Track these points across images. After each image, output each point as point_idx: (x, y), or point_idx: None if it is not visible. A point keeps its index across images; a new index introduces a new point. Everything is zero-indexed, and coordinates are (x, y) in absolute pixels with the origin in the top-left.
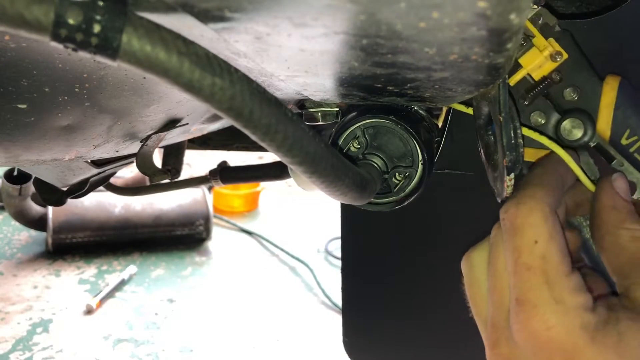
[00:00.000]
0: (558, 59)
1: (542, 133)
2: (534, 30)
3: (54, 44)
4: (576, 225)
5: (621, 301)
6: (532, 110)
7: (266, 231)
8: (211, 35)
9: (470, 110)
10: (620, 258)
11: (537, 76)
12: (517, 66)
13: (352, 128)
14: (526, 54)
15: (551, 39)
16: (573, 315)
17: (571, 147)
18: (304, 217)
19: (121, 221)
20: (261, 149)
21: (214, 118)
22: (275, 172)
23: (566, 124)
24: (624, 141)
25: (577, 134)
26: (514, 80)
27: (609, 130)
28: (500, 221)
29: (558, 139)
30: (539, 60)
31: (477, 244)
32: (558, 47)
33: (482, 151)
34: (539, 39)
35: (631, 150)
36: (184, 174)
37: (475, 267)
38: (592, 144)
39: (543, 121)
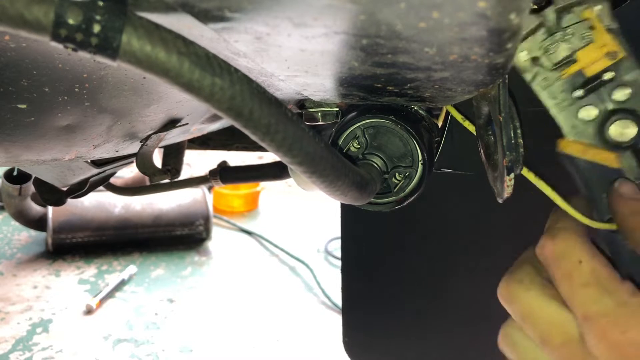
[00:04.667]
0: (614, 57)
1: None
2: (598, 25)
3: (54, 44)
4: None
5: None
6: (580, 105)
7: (266, 231)
8: (211, 35)
9: (467, 124)
10: None
11: (590, 72)
12: (572, 60)
13: (352, 128)
14: (584, 49)
15: (611, 35)
16: None
17: (618, 147)
18: (304, 217)
19: (121, 221)
20: (261, 149)
21: (214, 118)
22: (275, 172)
23: (617, 124)
24: None
25: (629, 134)
26: (567, 73)
27: None
28: (539, 258)
29: (603, 139)
30: (596, 56)
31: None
32: (616, 46)
33: (482, 151)
34: (600, 35)
35: None
36: (184, 174)
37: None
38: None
39: (590, 118)
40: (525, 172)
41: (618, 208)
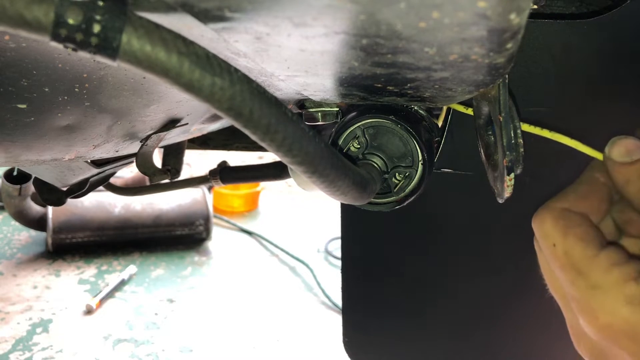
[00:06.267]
0: None
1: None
2: None
3: (54, 44)
4: None
5: None
6: None
7: (266, 231)
8: (211, 35)
9: (470, 111)
10: None
11: None
12: None
13: (352, 128)
14: None
15: None
16: (614, 294)
17: None
18: (304, 217)
19: (121, 221)
20: (261, 149)
21: (214, 118)
22: (275, 172)
23: None
24: None
25: None
26: None
27: None
28: None
29: None
30: None
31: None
32: None
33: (482, 151)
34: None
35: None
36: (184, 174)
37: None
38: None
39: None
40: (539, 131)
41: (613, 176)
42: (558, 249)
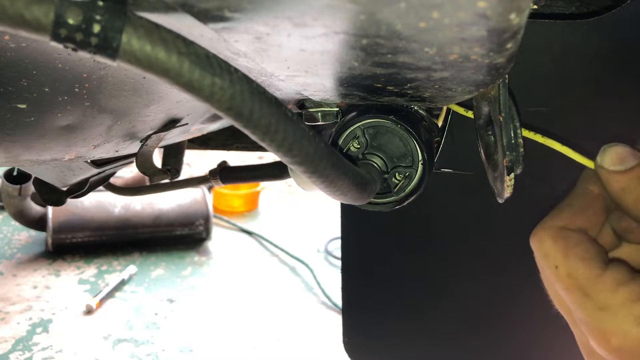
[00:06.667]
0: None
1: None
2: None
3: (53, 44)
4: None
5: None
6: None
7: (266, 231)
8: (211, 35)
9: (470, 114)
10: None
11: None
12: None
13: (352, 128)
14: None
15: None
16: (623, 315)
17: None
18: (304, 217)
19: (121, 221)
20: (261, 149)
21: (214, 118)
22: (275, 172)
23: None
24: None
25: None
26: None
27: None
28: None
29: None
30: None
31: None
32: None
33: (482, 151)
34: None
35: None
36: (184, 174)
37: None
38: None
39: None
40: (532, 135)
41: (608, 186)
42: (561, 271)
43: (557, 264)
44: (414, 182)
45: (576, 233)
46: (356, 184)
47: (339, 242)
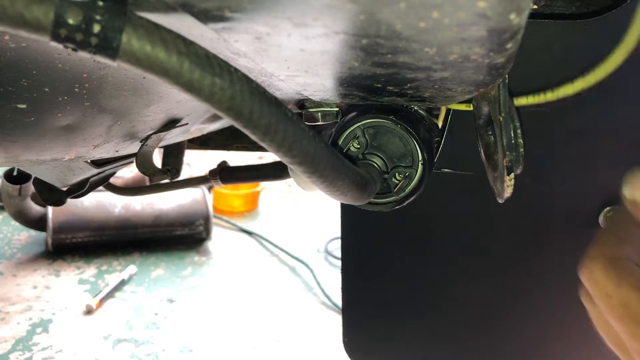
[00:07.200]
0: None
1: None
2: None
3: (53, 44)
4: None
5: None
6: None
7: (266, 231)
8: (211, 35)
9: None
10: None
11: None
12: None
13: (352, 128)
14: None
15: None
16: None
17: None
18: (304, 217)
19: (121, 221)
20: (261, 149)
21: (214, 118)
22: (275, 172)
23: None
24: None
25: None
26: None
27: None
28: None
29: None
30: None
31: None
32: None
33: (482, 151)
34: None
35: None
36: (184, 174)
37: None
38: None
39: None
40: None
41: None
42: (614, 301)
43: (609, 293)
44: (414, 182)
45: (626, 262)
46: (356, 184)
47: (339, 242)
